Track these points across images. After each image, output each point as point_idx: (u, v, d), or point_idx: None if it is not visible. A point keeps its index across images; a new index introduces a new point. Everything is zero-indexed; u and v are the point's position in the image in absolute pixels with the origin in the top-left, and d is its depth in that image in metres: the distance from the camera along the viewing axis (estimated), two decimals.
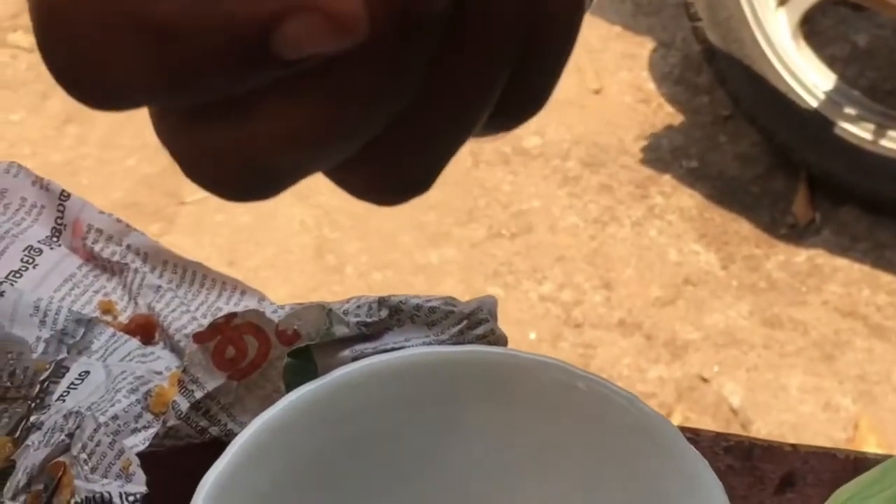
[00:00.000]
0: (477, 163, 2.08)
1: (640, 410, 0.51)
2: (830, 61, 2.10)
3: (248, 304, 0.61)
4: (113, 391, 0.56)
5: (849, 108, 1.98)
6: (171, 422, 0.56)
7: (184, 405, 0.55)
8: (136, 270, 0.63)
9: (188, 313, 0.61)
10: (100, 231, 0.64)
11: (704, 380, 1.80)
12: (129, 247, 0.63)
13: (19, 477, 0.53)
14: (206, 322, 0.59)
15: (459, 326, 0.57)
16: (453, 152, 0.28)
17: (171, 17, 0.24)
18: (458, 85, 0.27)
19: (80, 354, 0.59)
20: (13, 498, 0.52)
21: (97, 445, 0.52)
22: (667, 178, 2.08)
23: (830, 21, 2.25)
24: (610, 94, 2.23)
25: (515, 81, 0.28)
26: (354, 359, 0.55)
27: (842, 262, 1.96)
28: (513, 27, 0.28)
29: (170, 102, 0.26)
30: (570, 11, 0.29)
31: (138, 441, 0.55)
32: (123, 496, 0.50)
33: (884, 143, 1.96)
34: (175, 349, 0.60)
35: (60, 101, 2.20)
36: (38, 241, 0.63)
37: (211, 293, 0.62)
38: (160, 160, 2.07)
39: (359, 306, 0.57)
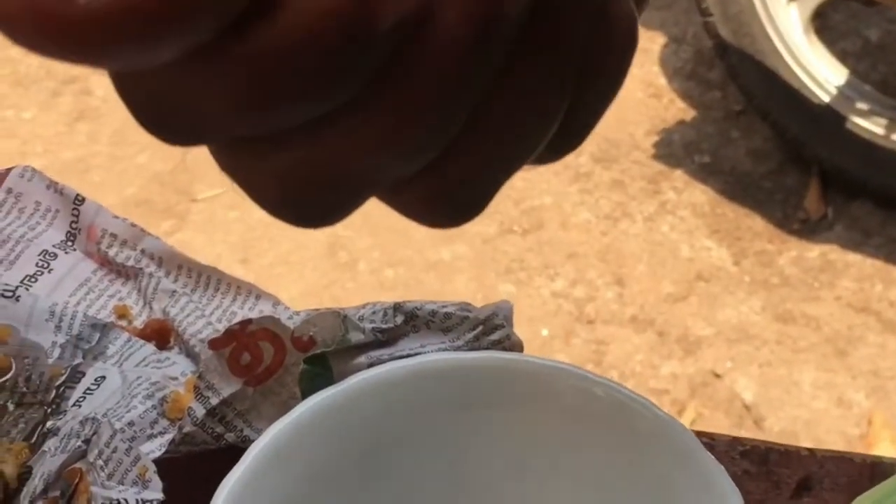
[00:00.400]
0: None
1: (656, 416, 0.50)
2: (842, 56, 2.09)
3: (263, 308, 0.61)
4: (129, 397, 0.56)
5: (861, 102, 1.98)
6: (188, 428, 0.56)
7: (200, 411, 0.55)
8: (150, 275, 0.63)
9: (203, 318, 0.61)
10: (114, 236, 0.64)
11: (717, 376, 1.80)
12: (143, 251, 0.63)
13: (36, 483, 0.53)
14: (221, 327, 0.59)
15: (475, 332, 0.57)
16: (507, 178, 0.29)
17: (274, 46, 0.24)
18: (521, 112, 0.27)
19: (95, 360, 0.59)
20: None
21: (113, 452, 0.52)
22: (679, 173, 2.08)
23: (842, 16, 2.25)
24: (621, 90, 2.22)
25: (567, 113, 0.28)
26: (370, 365, 0.55)
27: (854, 258, 1.95)
28: (578, 54, 0.28)
29: (255, 130, 0.26)
30: (627, 46, 0.29)
31: (154, 447, 0.55)
32: (140, 503, 0.50)
33: None
34: (190, 354, 0.60)
35: (72, 98, 2.20)
36: (53, 246, 0.63)
37: (226, 297, 0.62)
38: (172, 157, 2.07)
39: (374, 312, 0.57)
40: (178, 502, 0.51)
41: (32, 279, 0.62)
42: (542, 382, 0.51)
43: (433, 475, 0.52)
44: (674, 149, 2.11)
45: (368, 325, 0.57)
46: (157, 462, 0.52)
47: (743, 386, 1.79)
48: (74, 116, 2.16)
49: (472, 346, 0.57)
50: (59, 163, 2.03)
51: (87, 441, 0.53)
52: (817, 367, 1.81)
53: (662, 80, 2.24)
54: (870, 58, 2.20)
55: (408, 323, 0.57)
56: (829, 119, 1.98)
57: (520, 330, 0.58)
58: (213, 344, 0.55)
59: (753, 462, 0.58)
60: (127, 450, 0.52)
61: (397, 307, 0.57)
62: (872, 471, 0.57)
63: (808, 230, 2.00)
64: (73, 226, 0.64)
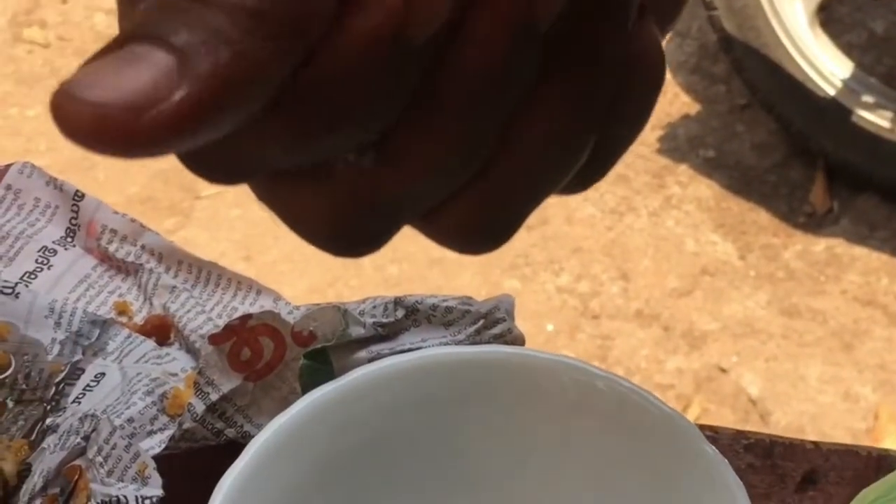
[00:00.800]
0: None
1: (659, 409, 0.50)
2: (847, 49, 2.08)
3: (264, 303, 0.61)
4: (128, 393, 0.56)
5: (866, 95, 1.97)
6: (187, 424, 0.55)
7: (199, 407, 0.55)
8: (150, 271, 0.62)
9: (203, 314, 0.61)
10: (114, 231, 0.63)
11: (723, 370, 1.80)
12: (143, 247, 0.63)
13: (35, 480, 0.53)
14: (221, 322, 0.59)
15: (476, 326, 0.57)
16: (536, 206, 0.29)
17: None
18: (551, 140, 0.28)
19: (95, 356, 0.59)
20: (29, 501, 0.52)
21: (113, 448, 0.52)
22: (683, 167, 2.07)
23: (847, 8, 2.24)
24: None
25: (596, 143, 0.29)
26: (371, 360, 0.55)
27: (860, 251, 1.95)
28: (609, 80, 0.28)
29: (300, 163, 0.27)
30: (656, 76, 0.30)
31: (154, 444, 0.55)
32: (140, 499, 0.50)
33: None
34: (190, 350, 0.60)
35: None
36: (53, 242, 0.63)
37: (226, 293, 0.62)
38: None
39: (375, 307, 0.57)
40: (177, 499, 0.51)
41: (32, 276, 0.62)
42: (544, 376, 0.51)
43: (434, 469, 0.52)
44: (678, 143, 2.11)
45: (369, 320, 0.56)
46: (157, 458, 0.52)
47: (749, 380, 1.78)
48: None
49: (474, 340, 0.57)
50: (63, 161, 2.03)
51: (86, 438, 0.53)
52: (823, 361, 1.81)
53: (667, 75, 2.23)
54: (875, 50, 2.19)
55: (409, 317, 0.57)
56: (834, 112, 1.97)
57: (524, 325, 0.58)
58: (214, 339, 0.55)
59: (758, 455, 0.58)
60: (126, 446, 0.51)
61: (398, 301, 0.57)
62: (878, 464, 0.57)
63: (814, 224, 1.99)
64: (73, 222, 0.64)
